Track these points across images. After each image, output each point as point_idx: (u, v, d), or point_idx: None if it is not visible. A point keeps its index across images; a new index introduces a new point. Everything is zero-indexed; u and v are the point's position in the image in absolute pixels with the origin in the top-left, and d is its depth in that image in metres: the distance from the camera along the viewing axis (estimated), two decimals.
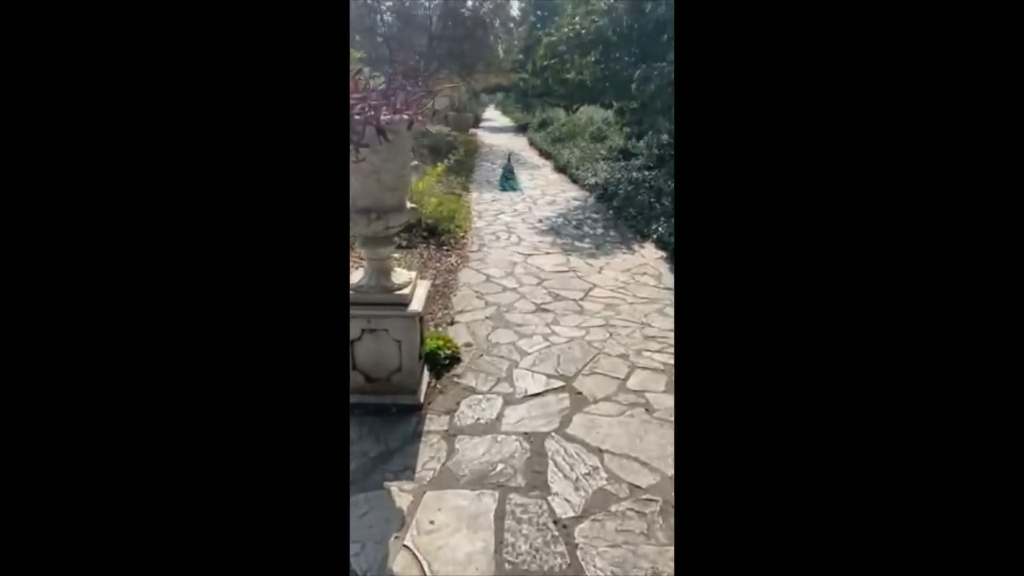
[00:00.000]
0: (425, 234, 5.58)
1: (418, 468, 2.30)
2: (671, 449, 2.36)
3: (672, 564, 1.83)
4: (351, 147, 1.99)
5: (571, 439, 2.50)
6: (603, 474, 2.27)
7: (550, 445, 2.45)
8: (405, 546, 1.90)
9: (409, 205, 2.65)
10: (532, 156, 13.03)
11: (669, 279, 4.72)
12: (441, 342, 3.17)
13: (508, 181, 9.27)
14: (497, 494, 2.15)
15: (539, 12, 20.34)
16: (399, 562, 1.85)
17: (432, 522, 2.01)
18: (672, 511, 2.04)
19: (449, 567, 1.83)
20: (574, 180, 9.59)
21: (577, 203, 8.03)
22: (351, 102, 2.00)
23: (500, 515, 2.04)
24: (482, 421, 2.63)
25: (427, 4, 15.38)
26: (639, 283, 4.67)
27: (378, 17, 14.96)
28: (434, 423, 2.61)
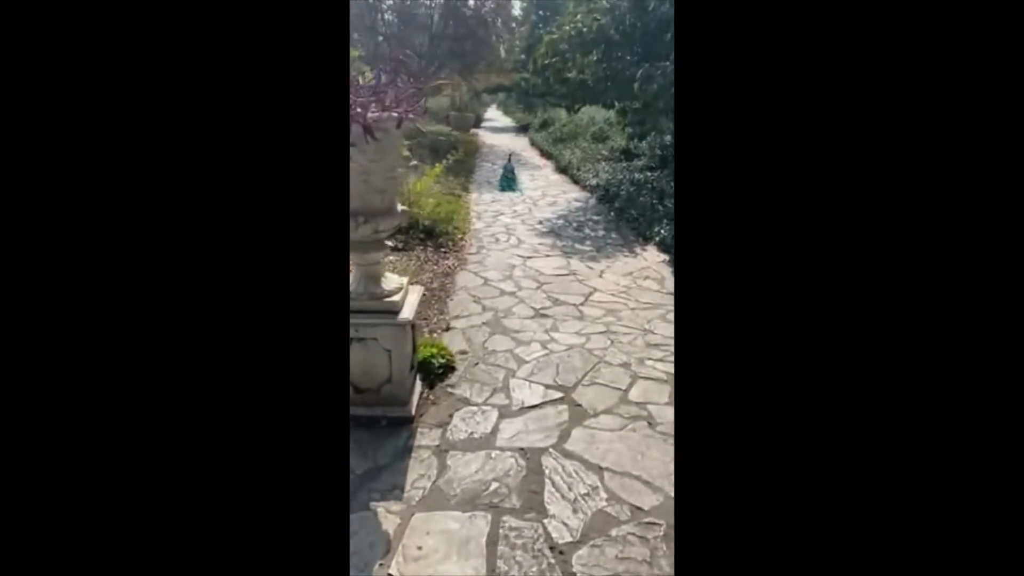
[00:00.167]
0: (422, 236, 5.46)
1: (407, 487, 2.17)
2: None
3: None
4: None
5: (569, 455, 2.37)
6: (603, 494, 2.14)
7: (547, 462, 2.32)
8: (390, 575, 1.77)
9: (400, 208, 2.52)
10: (533, 156, 12.90)
11: (672, 283, 4.59)
12: (435, 350, 3.04)
13: (508, 181, 9.14)
14: (490, 516, 2.02)
15: (541, 12, 20.20)
16: None
17: (420, 548, 1.88)
18: None
19: None
20: (575, 181, 9.46)
21: (578, 204, 7.90)
22: None
23: (493, 540, 1.91)
24: (476, 435, 2.50)
25: (428, 3, 15.27)
26: (641, 287, 4.54)
27: (378, 16, 14.85)
28: (425, 437, 2.48)
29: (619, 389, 2.91)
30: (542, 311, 3.98)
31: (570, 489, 2.16)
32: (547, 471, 2.26)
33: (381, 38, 13.97)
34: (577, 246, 5.78)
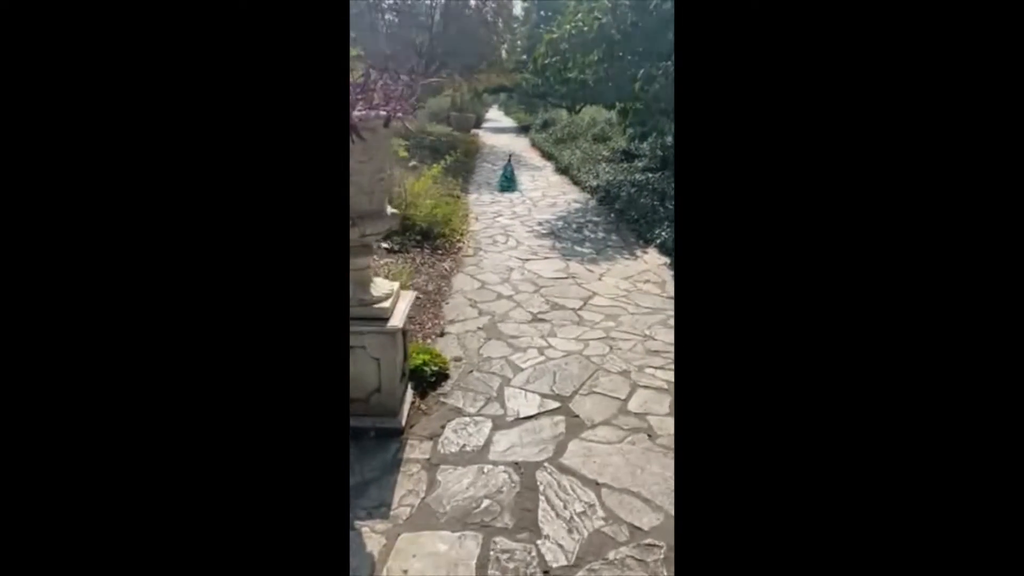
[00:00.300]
0: (418, 238, 5.35)
1: (394, 504, 2.06)
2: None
3: None
4: None
5: (565, 470, 2.26)
6: (600, 513, 2.04)
7: (542, 477, 2.21)
8: None
9: (390, 210, 2.42)
10: (534, 157, 12.80)
11: (673, 287, 4.48)
12: (428, 357, 2.94)
13: (508, 182, 9.05)
14: (481, 537, 1.91)
15: (543, 12, 20.09)
16: None
17: (405, 572, 1.77)
18: None
19: None
20: (576, 182, 9.36)
21: (578, 206, 7.79)
22: None
23: (483, 563, 1.81)
24: (468, 448, 2.39)
25: (429, 2, 15.18)
26: (641, 291, 4.43)
27: (379, 16, 14.77)
28: (416, 450, 2.37)
29: (618, 399, 2.80)
30: (540, 315, 3.87)
31: (565, 507, 2.06)
32: (542, 487, 2.16)
33: (383, 38, 13.84)
34: (576, 248, 5.68)
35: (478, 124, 20.17)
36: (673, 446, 2.40)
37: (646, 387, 2.92)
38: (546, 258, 5.31)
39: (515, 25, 20.27)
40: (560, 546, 1.88)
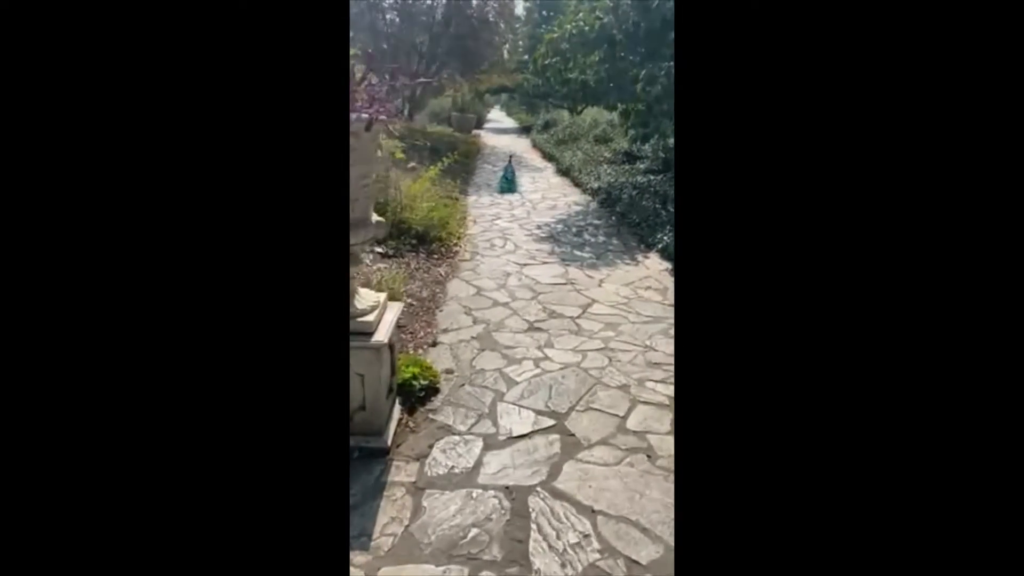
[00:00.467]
0: (414, 242, 5.22)
1: (375, 533, 1.93)
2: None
3: None
4: None
5: (559, 495, 2.12)
6: (596, 544, 1.90)
7: (534, 503, 2.08)
8: None
9: (376, 218, 2.29)
10: (535, 158, 12.67)
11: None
12: (417, 370, 2.81)
13: (508, 183, 8.93)
14: (467, 571, 1.78)
15: (544, 12, 19.95)
16: None
17: None
18: None
19: None
20: (576, 184, 9.24)
21: (578, 208, 7.66)
22: None
23: None
24: (457, 470, 2.26)
25: (430, 2, 15.05)
26: (642, 299, 4.29)
27: (380, 16, 14.65)
28: (401, 472, 2.24)
29: (616, 416, 2.67)
30: (536, 324, 3.74)
31: (559, 537, 1.93)
32: (534, 514, 2.02)
33: (383, 39, 13.68)
34: (576, 252, 5.54)
35: (479, 125, 20.05)
36: (673, 468, 2.27)
37: (646, 403, 2.79)
38: (544, 263, 5.17)
39: (517, 25, 20.13)
40: None
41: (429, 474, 2.23)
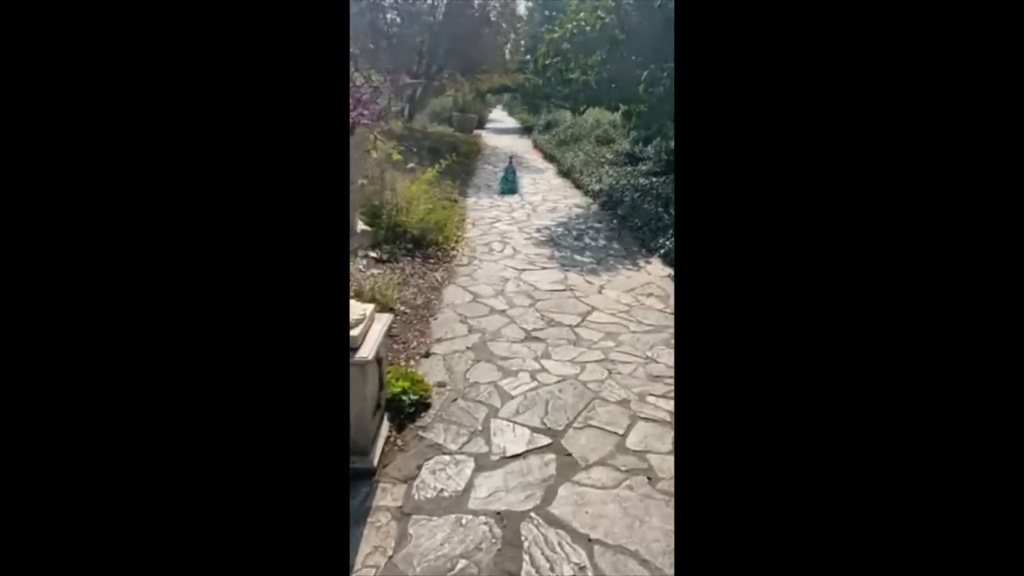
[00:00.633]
0: (409, 246, 5.10)
1: (357, 564, 1.81)
2: None
3: None
4: None
5: (554, 522, 2.00)
6: None
7: (527, 531, 1.95)
8: None
9: (361, 227, 2.18)
10: (536, 159, 12.56)
11: None
12: (407, 384, 2.68)
13: (508, 184, 8.82)
14: None
15: (547, 12, 19.81)
16: None
17: None
18: None
19: None
20: (578, 185, 9.12)
21: (579, 211, 7.54)
22: None
23: None
24: (446, 493, 2.13)
25: (432, 2, 14.93)
26: (644, 306, 4.17)
27: (380, 15, 14.53)
28: (387, 495, 2.12)
29: (616, 434, 2.54)
30: (534, 333, 3.62)
31: (552, 569, 1.80)
32: (526, 543, 1.90)
33: (385, 39, 13.53)
34: (576, 257, 5.42)
35: (481, 125, 19.94)
36: (674, 494, 2.14)
37: (647, 419, 2.66)
38: (544, 268, 5.05)
39: (519, 25, 19.98)
40: None
41: (417, 498, 2.11)
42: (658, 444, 2.47)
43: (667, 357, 3.31)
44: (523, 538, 1.92)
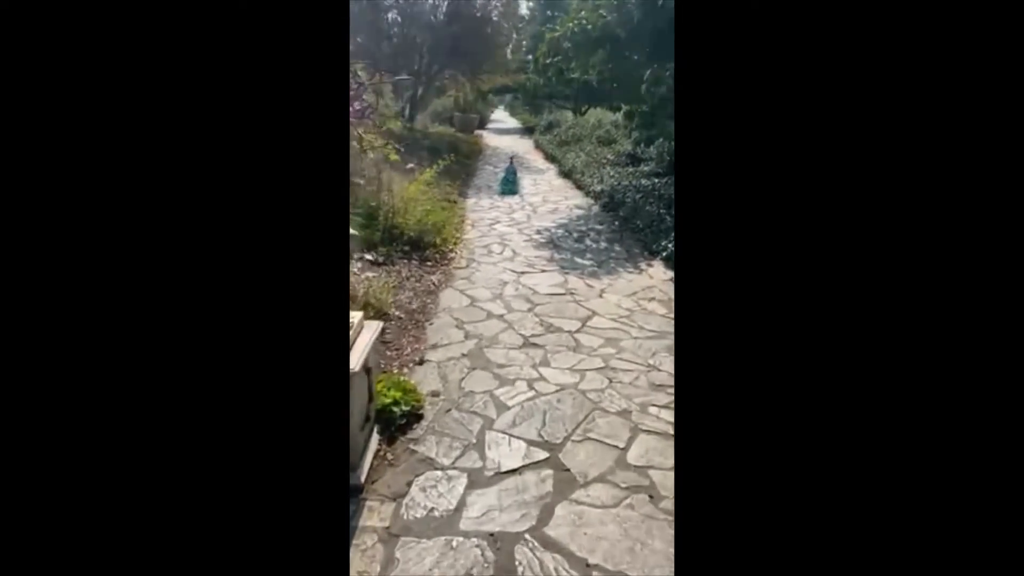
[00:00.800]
0: (406, 248, 4.99)
1: None
2: None
3: None
4: None
5: (550, 545, 1.89)
6: None
7: (522, 555, 1.84)
8: None
9: (350, 231, 2.05)
10: (537, 159, 12.45)
11: None
12: (399, 393, 2.57)
13: (509, 185, 8.72)
14: None
15: (549, 12, 19.70)
16: None
17: None
18: None
19: None
20: (579, 186, 9.01)
21: (580, 212, 7.43)
22: None
23: None
24: (437, 512, 2.02)
25: (433, 1, 14.83)
26: (645, 311, 4.06)
27: (382, 15, 14.44)
28: (374, 515, 2.00)
29: (616, 447, 2.43)
30: (532, 339, 3.50)
31: None
32: (520, 568, 1.79)
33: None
34: (577, 260, 5.31)
35: (482, 125, 19.84)
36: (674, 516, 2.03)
37: (649, 431, 2.55)
38: (543, 271, 4.94)
39: (520, 25, 19.88)
40: None
41: (406, 517, 2.00)
42: (660, 459, 2.36)
43: (670, 365, 3.20)
44: (517, 563, 1.81)
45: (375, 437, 2.36)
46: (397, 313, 3.72)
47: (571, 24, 7.33)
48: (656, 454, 2.39)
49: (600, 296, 4.35)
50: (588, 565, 1.81)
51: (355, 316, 2.22)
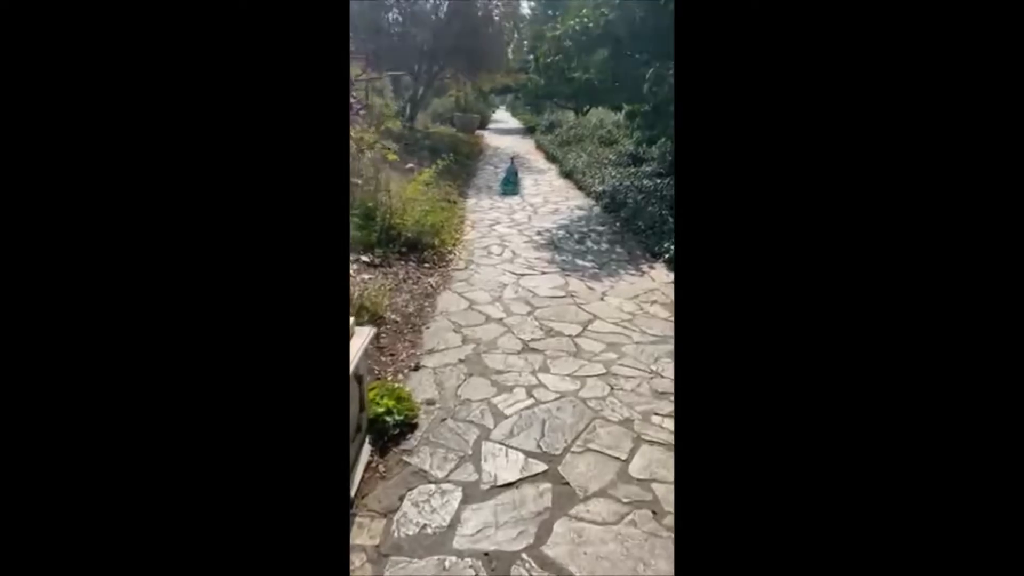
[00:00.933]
0: (404, 249, 4.90)
1: None
2: None
3: None
4: None
5: (548, 565, 1.79)
6: None
7: (518, 575, 1.75)
8: None
9: None
10: (538, 160, 12.35)
11: None
12: (392, 402, 2.48)
13: (510, 185, 8.63)
14: None
15: (550, 12, 19.60)
16: None
17: None
18: None
19: None
20: (580, 187, 8.91)
21: (581, 213, 7.33)
22: None
23: None
24: (429, 530, 1.93)
25: (434, 1, 14.75)
26: (648, 314, 3.96)
27: (382, 14, 14.36)
28: (364, 532, 1.91)
29: (618, 459, 2.33)
30: (532, 344, 3.41)
31: None
32: None
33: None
34: (578, 261, 5.21)
35: (483, 125, 19.75)
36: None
37: (652, 442, 2.45)
38: (544, 273, 4.84)
39: (522, 24, 19.78)
40: None
41: (397, 535, 1.90)
42: (663, 472, 2.26)
43: (672, 371, 3.10)
44: None
45: (366, 448, 2.27)
46: (393, 317, 3.62)
47: (572, 23, 7.23)
48: (659, 466, 2.29)
49: (601, 299, 4.25)
50: None
51: None
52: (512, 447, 2.39)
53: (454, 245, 5.52)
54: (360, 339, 2.17)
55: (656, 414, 2.67)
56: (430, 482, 2.16)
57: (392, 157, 5.48)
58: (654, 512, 2.04)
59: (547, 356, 3.26)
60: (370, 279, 4.10)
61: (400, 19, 14.90)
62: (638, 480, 2.21)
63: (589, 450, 2.39)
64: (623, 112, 9.58)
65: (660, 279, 4.78)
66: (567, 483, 2.18)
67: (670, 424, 2.59)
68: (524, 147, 14.49)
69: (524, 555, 1.83)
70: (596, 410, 2.70)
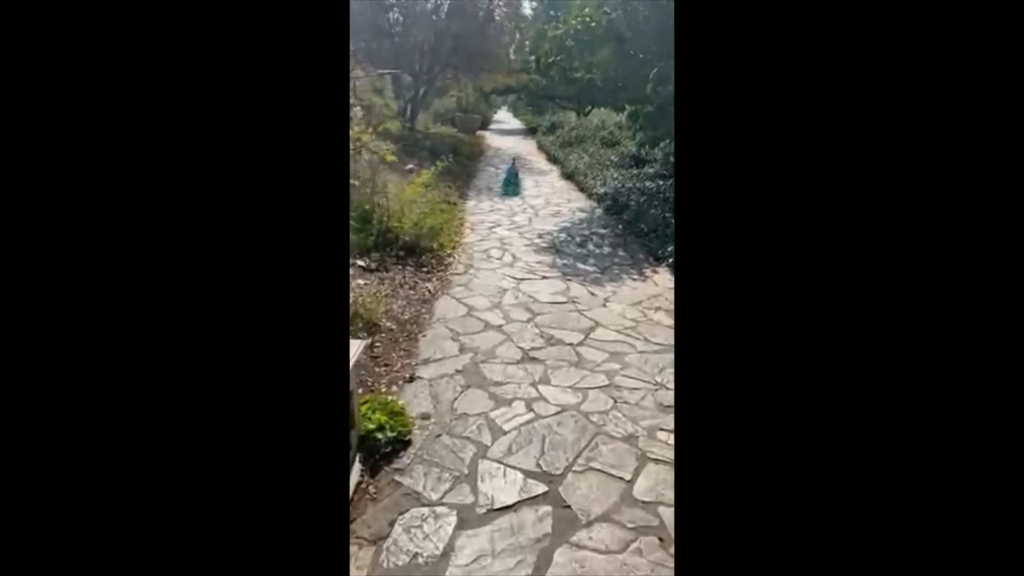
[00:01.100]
0: (401, 253, 4.78)
1: None
2: None
3: None
4: None
5: None
6: None
7: None
8: None
9: None
10: (539, 161, 12.24)
11: None
12: (384, 417, 2.36)
13: (511, 186, 8.52)
14: None
15: (552, 12, 19.49)
16: None
17: None
18: None
19: None
20: (582, 188, 8.80)
21: (583, 215, 7.21)
22: None
23: None
24: (421, 559, 1.81)
25: (435, 0, 14.64)
26: (652, 321, 3.84)
27: (383, 14, 14.25)
28: (352, 561, 1.79)
29: (621, 479, 2.21)
30: (532, 353, 3.29)
31: None
32: None
33: (390, 37, 13.19)
34: (579, 265, 5.10)
35: (484, 126, 19.64)
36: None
37: (657, 460, 2.33)
38: (544, 277, 4.73)
39: (523, 24, 19.66)
40: None
41: (386, 565, 1.78)
42: (670, 493, 2.13)
43: None
44: None
45: (357, 467, 2.15)
46: (388, 324, 3.50)
47: (575, 22, 7.11)
48: (666, 487, 2.17)
49: (603, 305, 4.13)
50: None
51: None
52: (510, 466, 2.27)
53: (453, 248, 5.40)
54: (351, 351, 2.05)
55: (661, 429, 2.55)
56: (423, 505, 2.04)
57: (391, 158, 5.37)
58: (660, 539, 1.91)
59: (548, 366, 3.14)
60: (366, 284, 3.98)
61: (400, 19, 14.79)
62: (643, 503, 2.09)
63: (591, 469, 2.26)
64: (625, 113, 9.45)
65: (663, 284, 4.65)
66: (568, 506, 2.05)
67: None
68: (525, 148, 14.38)
69: None
70: (598, 425, 2.57)
